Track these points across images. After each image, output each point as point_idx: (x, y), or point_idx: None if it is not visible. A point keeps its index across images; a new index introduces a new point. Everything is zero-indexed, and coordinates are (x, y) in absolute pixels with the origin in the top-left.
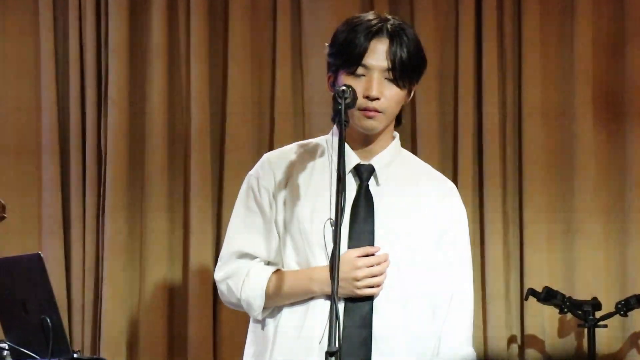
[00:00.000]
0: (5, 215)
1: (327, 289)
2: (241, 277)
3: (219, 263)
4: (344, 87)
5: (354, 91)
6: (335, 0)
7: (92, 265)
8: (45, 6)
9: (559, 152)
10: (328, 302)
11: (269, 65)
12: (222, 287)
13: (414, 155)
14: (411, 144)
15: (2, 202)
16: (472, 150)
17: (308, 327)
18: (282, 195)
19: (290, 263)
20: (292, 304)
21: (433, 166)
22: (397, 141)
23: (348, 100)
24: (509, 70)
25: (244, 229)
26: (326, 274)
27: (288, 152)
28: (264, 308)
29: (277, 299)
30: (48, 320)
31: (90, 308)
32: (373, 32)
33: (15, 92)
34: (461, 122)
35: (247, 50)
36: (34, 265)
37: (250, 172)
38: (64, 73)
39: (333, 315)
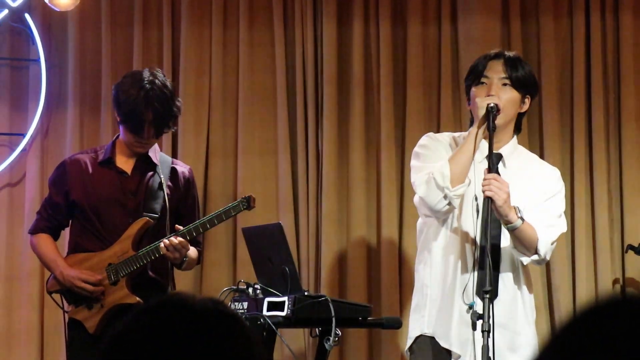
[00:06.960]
0: (254, 205)
1: None
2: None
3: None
4: (492, 104)
5: (497, 106)
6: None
7: (314, 231)
8: (279, 45)
9: None
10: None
11: None
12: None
13: (526, 149)
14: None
15: (253, 196)
16: (585, 142)
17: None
18: None
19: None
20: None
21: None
22: (515, 139)
23: (495, 112)
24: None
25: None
26: None
27: (446, 136)
28: None
29: None
30: (287, 269)
31: (313, 261)
32: (491, 56)
33: (258, 111)
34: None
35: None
36: (277, 231)
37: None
38: (293, 95)
39: (487, 262)
